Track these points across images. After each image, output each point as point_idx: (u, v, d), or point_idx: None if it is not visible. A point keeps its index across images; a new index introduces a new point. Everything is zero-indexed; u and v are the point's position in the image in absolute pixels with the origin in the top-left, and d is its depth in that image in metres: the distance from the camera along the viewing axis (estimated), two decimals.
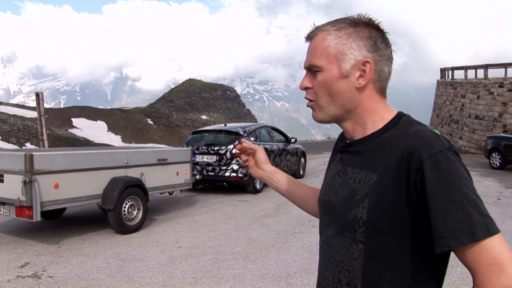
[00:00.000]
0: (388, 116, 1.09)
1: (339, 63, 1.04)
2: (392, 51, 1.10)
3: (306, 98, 1.12)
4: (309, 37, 1.11)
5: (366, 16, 1.08)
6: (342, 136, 1.27)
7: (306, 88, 1.11)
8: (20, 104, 50.45)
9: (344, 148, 1.16)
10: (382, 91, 1.10)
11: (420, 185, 0.96)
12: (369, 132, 1.08)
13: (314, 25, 1.12)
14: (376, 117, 1.09)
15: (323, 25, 1.10)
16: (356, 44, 1.05)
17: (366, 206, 1.02)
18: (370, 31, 1.06)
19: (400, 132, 1.04)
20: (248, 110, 57.85)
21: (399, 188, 0.99)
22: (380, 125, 1.08)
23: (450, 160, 0.97)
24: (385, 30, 1.08)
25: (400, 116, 1.10)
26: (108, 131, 36.53)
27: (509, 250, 0.93)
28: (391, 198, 0.99)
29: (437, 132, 1.04)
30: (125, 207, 5.81)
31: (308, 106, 1.12)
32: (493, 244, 0.92)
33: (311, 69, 1.08)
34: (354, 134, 1.11)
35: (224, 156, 8.91)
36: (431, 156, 0.96)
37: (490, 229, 0.93)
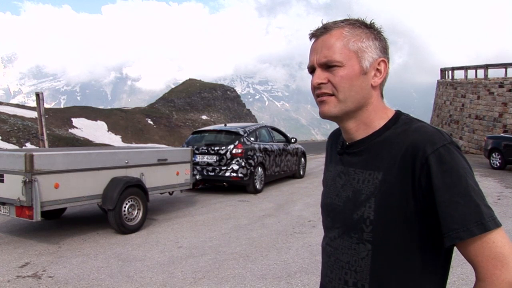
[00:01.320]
0: (389, 115, 1.11)
1: (359, 59, 1.05)
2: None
3: (321, 93, 1.08)
4: (321, 33, 1.08)
5: (371, 21, 1.10)
6: (335, 138, 1.26)
7: (320, 84, 1.07)
8: (20, 104, 50.43)
9: (343, 150, 1.16)
10: (382, 92, 1.13)
11: (426, 179, 0.97)
12: (372, 131, 1.09)
13: (322, 22, 1.11)
14: (383, 115, 1.10)
15: (335, 22, 1.09)
16: (373, 43, 1.07)
17: (372, 205, 1.03)
18: (380, 34, 1.10)
19: (401, 130, 1.05)
20: (248, 110, 57.81)
21: (405, 184, 0.99)
22: (382, 123, 1.09)
23: (454, 154, 0.98)
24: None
25: (398, 114, 1.11)
26: (108, 131, 36.52)
27: (511, 244, 0.94)
28: (397, 195, 1.00)
29: (437, 127, 1.05)
30: (125, 207, 5.81)
31: (320, 101, 1.08)
32: (495, 238, 0.93)
33: (328, 65, 1.06)
34: (357, 133, 1.11)
35: (224, 156, 8.91)
36: (435, 150, 0.97)
37: (496, 220, 0.94)
